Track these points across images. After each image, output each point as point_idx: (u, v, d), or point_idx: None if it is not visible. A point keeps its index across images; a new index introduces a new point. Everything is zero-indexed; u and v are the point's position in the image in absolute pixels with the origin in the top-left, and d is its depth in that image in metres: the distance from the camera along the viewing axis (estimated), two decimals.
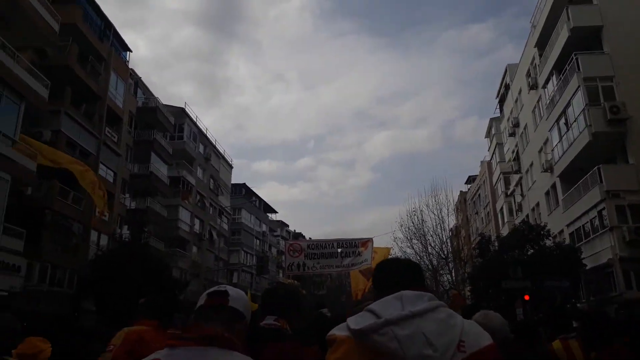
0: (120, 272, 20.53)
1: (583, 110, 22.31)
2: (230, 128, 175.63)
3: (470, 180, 60.43)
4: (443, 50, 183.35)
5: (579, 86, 22.63)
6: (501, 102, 41.51)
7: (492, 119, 45.24)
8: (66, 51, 24.33)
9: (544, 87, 28.02)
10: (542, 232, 22.76)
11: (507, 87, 38.43)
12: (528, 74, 31.61)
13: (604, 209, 21.26)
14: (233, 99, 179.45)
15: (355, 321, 1.59)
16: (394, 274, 1.83)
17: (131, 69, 34.04)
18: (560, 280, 16.77)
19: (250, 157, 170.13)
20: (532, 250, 22.27)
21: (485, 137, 49.12)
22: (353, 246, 13.36)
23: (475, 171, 56.86)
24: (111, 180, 29.32)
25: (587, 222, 23.05)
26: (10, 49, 15.42)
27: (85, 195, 26.03)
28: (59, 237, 24.00)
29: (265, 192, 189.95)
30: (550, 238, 22.81)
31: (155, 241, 33.62)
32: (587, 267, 21.29)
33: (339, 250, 13.03)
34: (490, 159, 47.14)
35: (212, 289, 1.72)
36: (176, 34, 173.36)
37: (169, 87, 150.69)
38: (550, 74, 26.60)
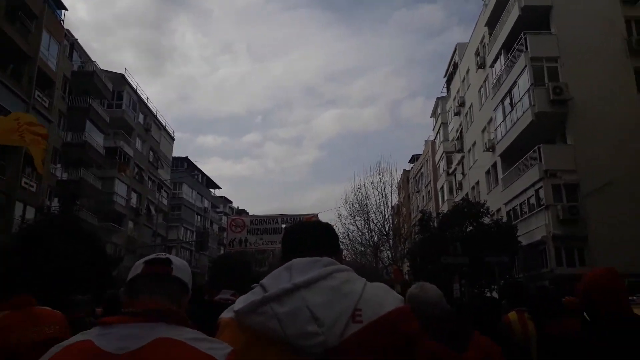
0: (47, 247, 19.18)
1: (528, 90, 22.80)
2: (174, 99, 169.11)
3: (414, 159, 61.55)
4: (394, 29, 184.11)
5: (525, 66, 23.08)
6: (449, 81, 42.11)
7: (438, 99, 45.92)
8: None
9: (492, 66, 28.48)
10: (481, 210, 23.33)
11: (456, 66, 38.94)
12: (477, 53, 32.05)
13: (541, 187, 21.99)
14: (178, 69, 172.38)
15: (242, 300, 1.41)
16: (294, 239, 1.62)
17: (66, 29, 31.48)
18: (500, 256, 17.21)
19: (194, 131, 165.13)
20: (471, 228, 22.82)
21: (431, 117, 49.91)
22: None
23: (420, 150, 57.93)
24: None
25: (525, 200, 23.83)
26: None
27: (10, 164, 24.15)
28: None
29: (209, 167, 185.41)
30: (489, 216, 23.44)
31: (88, 215, 31.85)
32: (522, 244, 22.06)
33: (283, 225, 12.74)
34: (435, 138, 47.99)
35: (150, 256, 1.47)
36: None
37: (110, 54, 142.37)
38: (499, 54, 27.03)
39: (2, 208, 23.80)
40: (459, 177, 37.64)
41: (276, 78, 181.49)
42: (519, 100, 23.94)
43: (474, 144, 33.25)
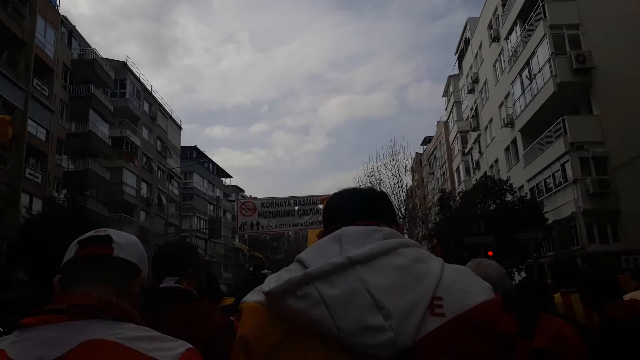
0: (55, 238, 18.49)
1: (548, 59, 21.49)
2: (179, 90, 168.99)
3: (426, 141, 60.24)
4: (398, 12, 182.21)
5: (544, 34, 21.75)
6: (460, 58, 40.67)
7: (450, 77, 44.47)
8: None
9: (507, 38, 27.11)
10: (504, 187, 22.18)
11: (467, 42, 37.51)
12: (490, 26, 30.63)
13: (567, 161, 20.78)
14: (181, 61, 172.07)
15: (275, 278, 1.07)
16: (342, 205, 1.26)
17: (63, 16, 30.54)
18: (535, 233, 16.09)
19: (202, 122, 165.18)
20: (494, 206, 21.72)
21: (443, 97, 48.52)
22: (311, 203, 12.23)
23: (432, 132, 56.61)
24: (43, 138, 26.51)
25: (550, 175, 22.61)
26: None
27: (11, 154, 23.42)
28: None
29: (218, 158, 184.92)
30: (512, 193, 22.31)
31: (98, 206, 31.28)
32: (550, 221, 20.92)
33: (296, 207, 11.58)
34: (448, 118, 46.69)
35: (86, 235, 1.16)
36: None
37: (114, 48, 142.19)
38: (514, 24, 25.66)
39: (8, 200, 23.13)
40: (476, 156, 36.38)
41: (280, 66, 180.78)
42: (539, 72, 22.63)
43: (491, 120, 31.96)
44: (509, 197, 21.89)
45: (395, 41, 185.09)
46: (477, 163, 35.77)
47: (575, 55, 20.69)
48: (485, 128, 33.48)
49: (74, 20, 34.25)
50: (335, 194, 1.36)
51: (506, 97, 28.34)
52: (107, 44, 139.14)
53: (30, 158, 25.44)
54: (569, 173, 20.71)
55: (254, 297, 1.12)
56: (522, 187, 25.24)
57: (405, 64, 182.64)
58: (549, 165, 22.42)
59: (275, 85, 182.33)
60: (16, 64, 24.07)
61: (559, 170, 21.70)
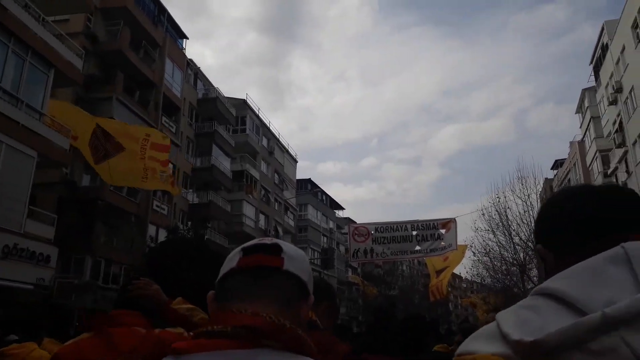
0: (177, 267, 18.89)
1: None
2: (294, 130, 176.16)
3: (557, 165, 54.69)
4: (512, 34, 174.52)
5: None
6: (596, 68, 36.38)
7: (584, 90, 39.94)
8: (117, 35, 23.11)
9: None
10: None
11: (605, 49, 33.42)
12: (635, 26, 26.83)
13: None
14: (296, 102, 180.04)
15: (519, 322, 0.76)
16: (598, 208, 0.87)
17: (189, 58, 32.87)
18: None
19: (315, 159, 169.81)
20: None
21: (576, 113, 43.77)
22: (431, 228, 10.79)
23: (561, 156, 51.33)
24: (170, 172, 27.97)
25: None
26: (34, 9, 13.88)
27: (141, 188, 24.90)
28: (112, 231, 22.75)
29: (331, 192, 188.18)
30: None
31: (218, 237, 32.30)
32: None
33: (414, 233, 10.62)
34: (583, 137, 41.81)
35: (251, 242, 0.97)
36: (241, 41, 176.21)
37: (236, 93, 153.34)
38: None
39: (137, 229, 24.49)
40: (622, 176, 31.65)
41: (389, 100, 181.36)
42: None
43: None
44: None
45: (512, 65, 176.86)
46: (625, 184, 31.04)
47: None
48: (634, 143, 29.03)
49: (203, 68, 36.78)
50: (565, 192, 0.96)
51: None
52: (230, 90, 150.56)
53: (158, 191, 26.91)
54: None
55: (486, 346, 0.76)
56: None
57: (524, 88, 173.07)
58: None
59: (385, 119, 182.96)
60: (147, 103, 25.88)
61: None
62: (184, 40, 31.80)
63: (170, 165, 27.94)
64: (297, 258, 0.94)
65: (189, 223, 30.66)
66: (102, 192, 21.61)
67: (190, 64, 32.75)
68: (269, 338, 0.78)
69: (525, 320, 0.74)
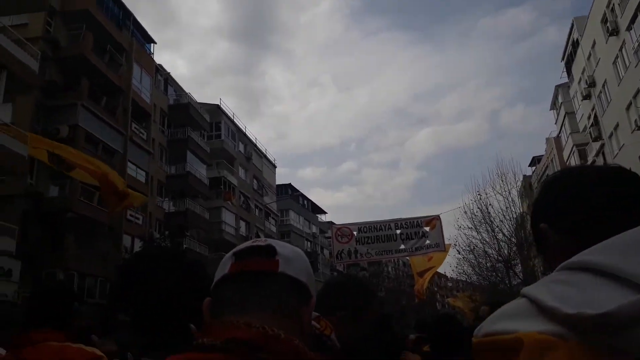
0: (153, 277, 18.16)
1: None
2: (272, 137, 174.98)
3: (535, 161, 55.15)
4: (479, 38, 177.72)
5: None
6: (568, 64, 36.70)
7: (557, 87, 40.27)
8: (79, 39, 22.28)
9: (629, 28, 23.51)
10: None
11: (576, 45, 33.71)
12: (604, 21, 27.01)
13: None
14: (272, 109, 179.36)
15: (558, 297, 0.70)
16: (619, 183, 0.87)
17: (159, 64, 32.08)
18: None
19: (294, 165, 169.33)
20: None
21: (551, 109, 44.17)
22: (415, 226, 10.63)
23: (538, 153, 51.79)
24: (142, 180, 27.16)
25: None
26: None
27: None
28: (85, 243, 21.86)
29: (312, 198, 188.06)
30: None
31: (199, 246, 31.54)
32: None
33: (398, 231, 10.40)
34: (559, 133, 42.18)
35: (243, 245, 0.90)
36: (212, 50, 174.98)
37: (211, 102, 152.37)
38: (638, 9, 22.14)
39: (111, 241, 23.59)
40: None
41: (364, 104, 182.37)
42: None
43: (617, 126, 27.79)
44: None
45: (480, 68, 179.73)
46: None
47: None
48: (610, 136, 29.22)
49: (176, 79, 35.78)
50: (571, 170, 0.96)
51: (635, 95, 24.39)
52: (203, 99, 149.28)
53: None
54: None
55: (525, 324, 0.70)
56: None
57: (493, 89, 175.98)
58: None
59: (360, 124, 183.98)
60: (115, 110, 25.05)
61: None
62: (152, 45, 31.04)
63: (143, 173, 27.18)
64: (294, 258, 0.87)
65: (166, 232, 29.89)
66: (72, 203, 20.75)
67: (159, 69, 31.96)
68: (263, 350, 0.73)
69: (564, 295, 0.68)
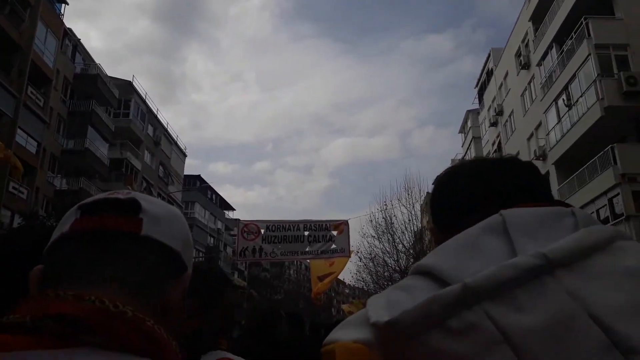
0: (29, 260, 16.12)
1: (594, 82, 19.37)
2: (185, 126, 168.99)
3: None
4: (401, 59, 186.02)
5: (589, 54, 19.74)
6: (481, 91, 38.91)
7: (468, 112, 42.59)
8: None
9: (539, 64, 25.21)
10: None
11: (490, 74, 35.79)
12: (518, 54, 28.86)
13: (617, 195, 18.31)
14: (189, 97, 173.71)
15: (389, 304, 0.64)
16: (483, 180, 0.81)
17: (68, 27, 29.22)
18: None
19: (206, 158, 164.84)
20: None
21: (460, 132, 46.59)
22: (324, 229, 10.39)
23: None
24: (33, 151, 24.42)
25: (593, 212, 20.07)
26: None
27: None
28: None
29: (221, 194, 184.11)
30: None
31: None
32: None
33: (306, 233, 10.13)
34: (464, 156, 44.54)
35: (95, 197, 0.66)
36: (131, 27, 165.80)
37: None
38: (549, 48, 23.80)
39: None
40: None
41: (285, 106, 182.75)
42: (581, 96, 20.50)
43: (517, 154, 29.46)
44: None
45: (399, 87, 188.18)
46: None
47: (625, 77, 18.62)
48: None
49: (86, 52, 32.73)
50: (455, 168, 0.88)
51: (537, 127, 26.21)
52: (116, 75, 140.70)
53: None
54: (619, 209, 18.22)
55: (350, 333, 0.65)
56: None
57: (409, 109, 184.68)
58: (592, 201, 19.93)
59: (279, 125, 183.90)
60: (10, 69, 22.24)
61: (605, 205, 19.20)
62: (63, 5, 28.15)
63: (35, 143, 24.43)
64: (165, 218, 0.65)
65: (53, 212, 27.12)
66: None
67: (68, 33, 29.12)
68: (95, 332, 0.52)
69: (396, 301, 0.63)
